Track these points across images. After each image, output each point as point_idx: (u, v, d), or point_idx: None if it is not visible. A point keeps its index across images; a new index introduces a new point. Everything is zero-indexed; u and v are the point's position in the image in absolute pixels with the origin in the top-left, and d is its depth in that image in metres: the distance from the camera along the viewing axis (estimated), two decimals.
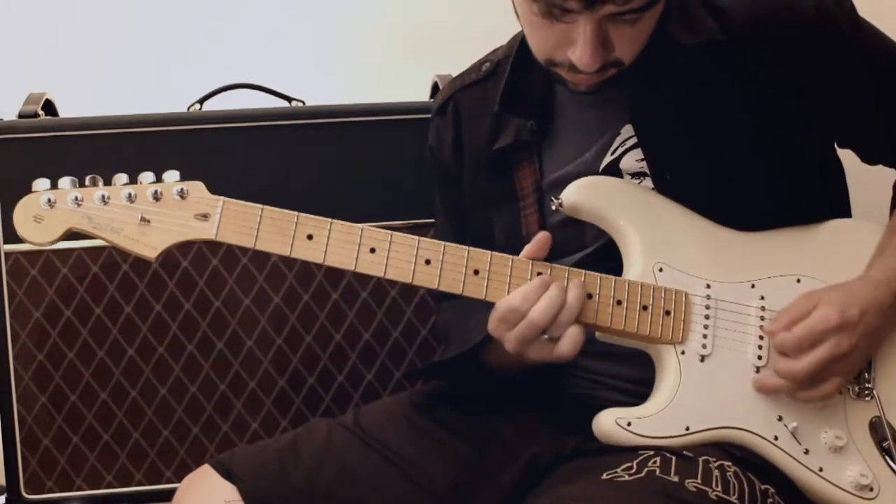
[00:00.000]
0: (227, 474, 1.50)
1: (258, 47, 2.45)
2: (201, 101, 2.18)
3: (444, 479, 1.51)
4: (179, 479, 1.60)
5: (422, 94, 2.21)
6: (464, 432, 1.56)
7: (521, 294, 1.38)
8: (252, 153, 2.05)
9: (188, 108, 2.15)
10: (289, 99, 2.21)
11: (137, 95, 2.26)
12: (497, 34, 1.75)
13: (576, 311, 1.38)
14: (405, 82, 2.31)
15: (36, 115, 2.05)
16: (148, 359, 2.05)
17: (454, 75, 1.81)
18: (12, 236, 1.99)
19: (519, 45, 1.62)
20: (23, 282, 2.00)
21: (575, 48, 1.38)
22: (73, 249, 2.01)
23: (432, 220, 1.85)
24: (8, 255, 2.00)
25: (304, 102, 2.20)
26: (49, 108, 2.12)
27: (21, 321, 2.01)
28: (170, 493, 1.96)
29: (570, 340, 1.38)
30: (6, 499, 2.03)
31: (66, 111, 2.15)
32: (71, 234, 1.98)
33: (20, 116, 2.05)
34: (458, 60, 1.82)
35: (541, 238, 1.43)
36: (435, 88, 2.16)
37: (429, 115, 1.81)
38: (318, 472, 1.51)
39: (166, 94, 2.21)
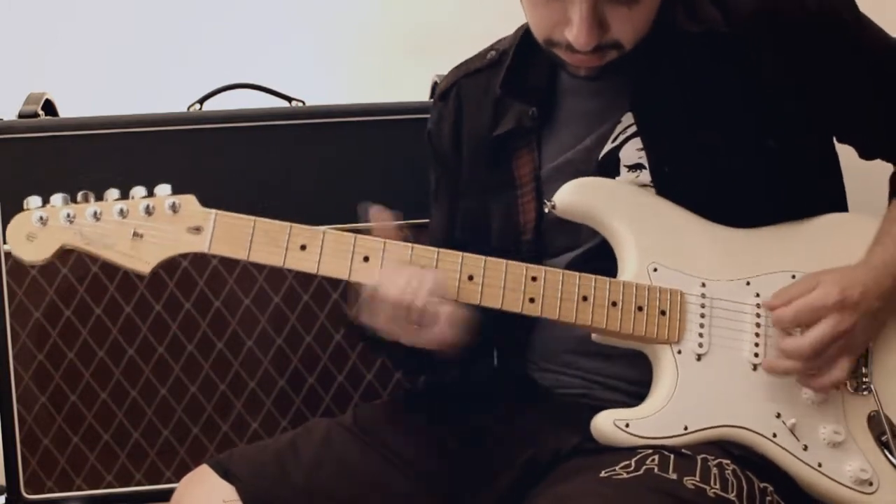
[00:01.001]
0: (226, 474, 1.49)
1: (258, 47, 2.44)
2: (201, 101, 2.18)
3: (442, 479, 1.52)
4: (179, 479, 1.60)
5: (422, 94, 2.21)
6: (463, 432, 1.56)
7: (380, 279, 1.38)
8: (252, 153, 2.04)
9: (188, 108, 2.15)
10: (289, 99, 2.21)
11: (137, 95, 2.26)
12: (497, 34, 1.75)
13: (426, 290, 1.36)
14: (405, 82, 2.30)
15: (36, 115, 2.05)
16: (148, 359, 2.05)
17: None
18: None
19: (523, 34, 1.63)
20: (23, 282, 2.00)
21: (571, 27, 1.39)
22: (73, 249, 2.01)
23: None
24: (8, 255, 1.99)
25: (304, 102, 2.20)
26: (49, 108, 2.12)
27: (21, 321, 2.01)
28: (170, 493, 1.95)
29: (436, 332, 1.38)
30: (6, 499, 2.04)
31: (66, 111, 2.15)
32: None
33: (20, 116, 2.05)
34: (458, 60, 1.82)
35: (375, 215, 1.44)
36: (434, 88, 2.16)
37: (428, 115, 1.81)
38: (317, 472, 1.50)
39: (166, 94, 2.21)
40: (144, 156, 2.01)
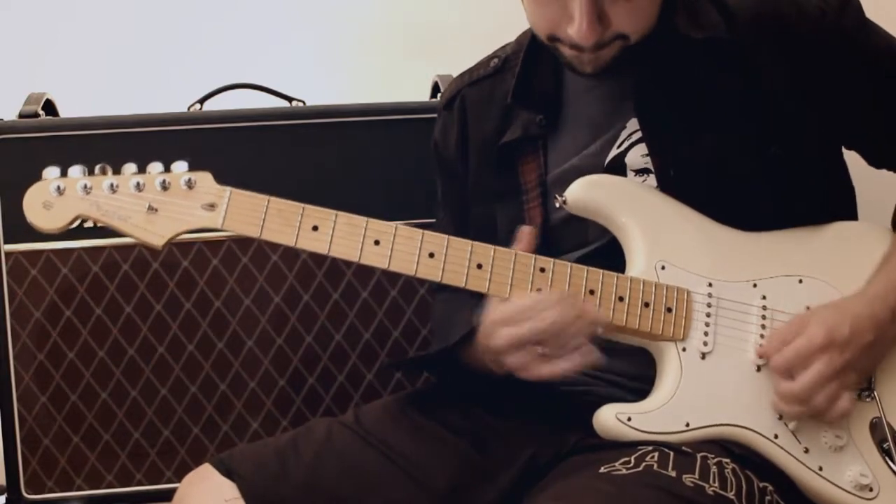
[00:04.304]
0: (228, 472, 1.49)
1: (258, 47, 2.45)
2: (201, 101, 2.17)
3: (444, 478, 1.51)
4: (180, 479, 1.60)
5: (422, 94, 2.21)
6: (464, 431, 1.56)
7: (532, 304, 1.38)
8: (252, 153, 2.04)
9: (188, 108, 2.15)
10: (289, 99, 2.21)
11: (137, 95, 2.26)
12: (497, 33, 1.76)
13: (584, 333, 1.38)
14: (405, 82, 2.31)
15: (36, 115, 2.05)
16: (148, 359, 2.04)
17: (454, 75, 1.82)
18: (13, 236, 1.99)
19: (529, 41, 1.63)
20: (23, 282, 2.00)
21: (573, 23, 1.41)
22: (73, 249, 2.01)
23: (432, 221, 1.85)
24: (8, 255, 2.00)
25: (304, 102, 2.20)
26: (49, 108, 2.12)
27: (21, 321, 2.01)
28: (170, 493, 1.95)
29: (577, 359, 1.38)
30: (6, 499, 2.03)
31: (66, 111, 2.15)
32: (71, 234, 1.98)
33: (20, 116, 2.05)
34: (458, 60, 1.82)
35: (525, 235, 1.44)
36: (435, 88, 2.17)
37: (429, 115, 1.82)
38: (318, 470, 1.50)
39: (166, 94, 2.21)
40: (145, 156, 2.00)
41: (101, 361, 2.03)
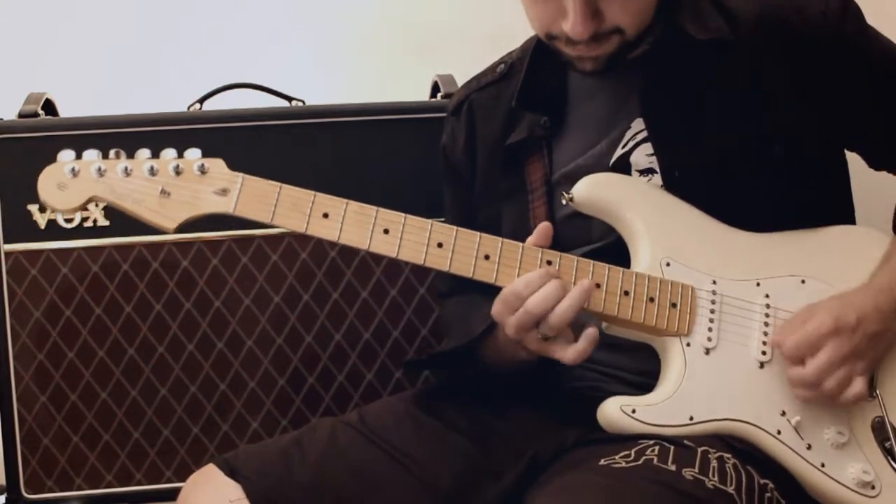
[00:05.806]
0: (232, 473, 1.49)
1: (258, 47, 2.45)
2: (201, 101, 2.17)
3: (447, 477, 1.52)
4: (180, 479, 1.60)
5: (422, 94, 2.21)
6: (467, 429, 1.57)
7: (524, 280, 1.39)
8: (252, 153, 2.04)
9: (188, 108, 2.15)
10: (289, 99, 2.21)
11: (137, 95, 2.25)
12: (497, 34, 1.76)
13: (570, 311, 1.38)
14: (405, 82, 2.31)
15: (36, 114, 2.04)
16: (148, 359, 2.04)
17: (454, 75, 1.82)
18: (13, 236, 1.98)
19: (535, 44, 1.65)
20: (23, 282, 2.00)
21: (567, 19, 1.42)
22: (73, 249, 2.01)
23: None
24: (8, 254, 1.99)
25: (304, 102, 2.20)
26: (49, 108, 2.11)
27: (21, 321, 2.00)
28: (170, 493, 1.96)
29: (577, 349, 1.40)
30: (6, 498, 2.03)
31: (66, 111, 2.14)
32: (71, 233, 1.98)
33: (20, 116, 2.04)
34: (458, 60, 1.83)
35: (542, 229, 1.45)
36: (435, 88, 2.17)
37: (428, 115, 1.82)
38: (322, 470, 1.50)
39: (166, 94, 2.21)
40: None
41: (101, 361, 2.03)
